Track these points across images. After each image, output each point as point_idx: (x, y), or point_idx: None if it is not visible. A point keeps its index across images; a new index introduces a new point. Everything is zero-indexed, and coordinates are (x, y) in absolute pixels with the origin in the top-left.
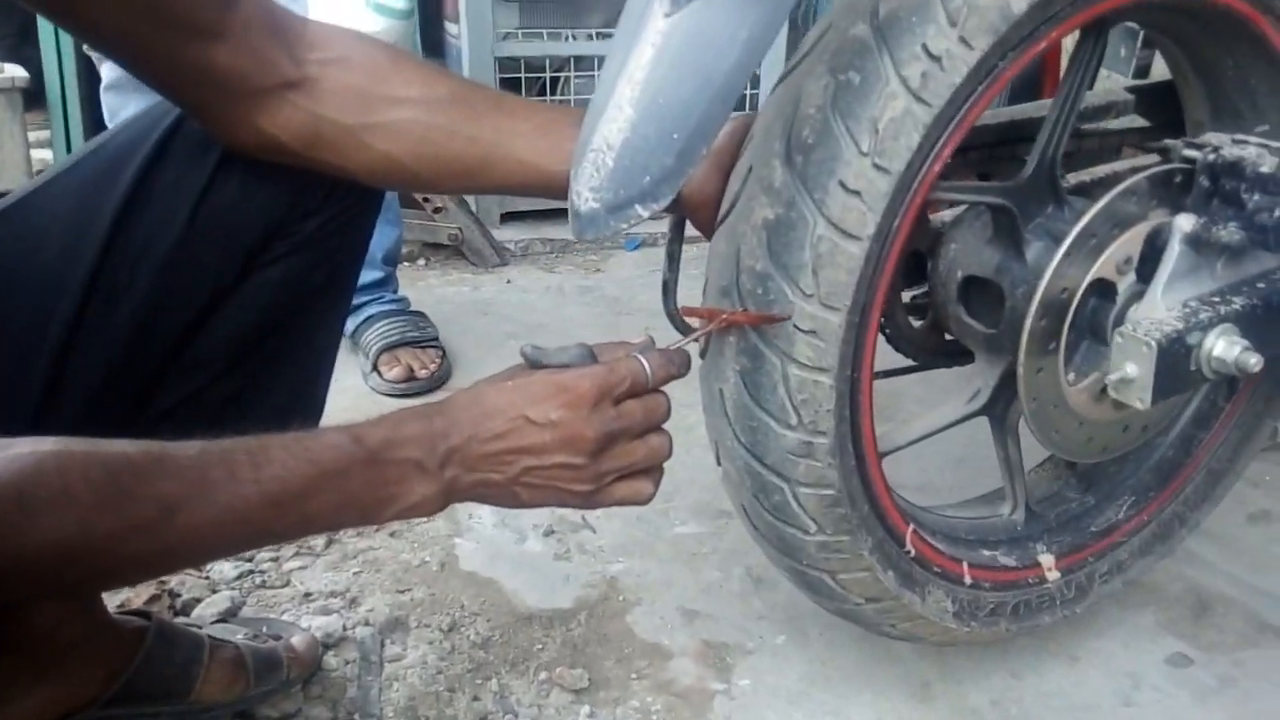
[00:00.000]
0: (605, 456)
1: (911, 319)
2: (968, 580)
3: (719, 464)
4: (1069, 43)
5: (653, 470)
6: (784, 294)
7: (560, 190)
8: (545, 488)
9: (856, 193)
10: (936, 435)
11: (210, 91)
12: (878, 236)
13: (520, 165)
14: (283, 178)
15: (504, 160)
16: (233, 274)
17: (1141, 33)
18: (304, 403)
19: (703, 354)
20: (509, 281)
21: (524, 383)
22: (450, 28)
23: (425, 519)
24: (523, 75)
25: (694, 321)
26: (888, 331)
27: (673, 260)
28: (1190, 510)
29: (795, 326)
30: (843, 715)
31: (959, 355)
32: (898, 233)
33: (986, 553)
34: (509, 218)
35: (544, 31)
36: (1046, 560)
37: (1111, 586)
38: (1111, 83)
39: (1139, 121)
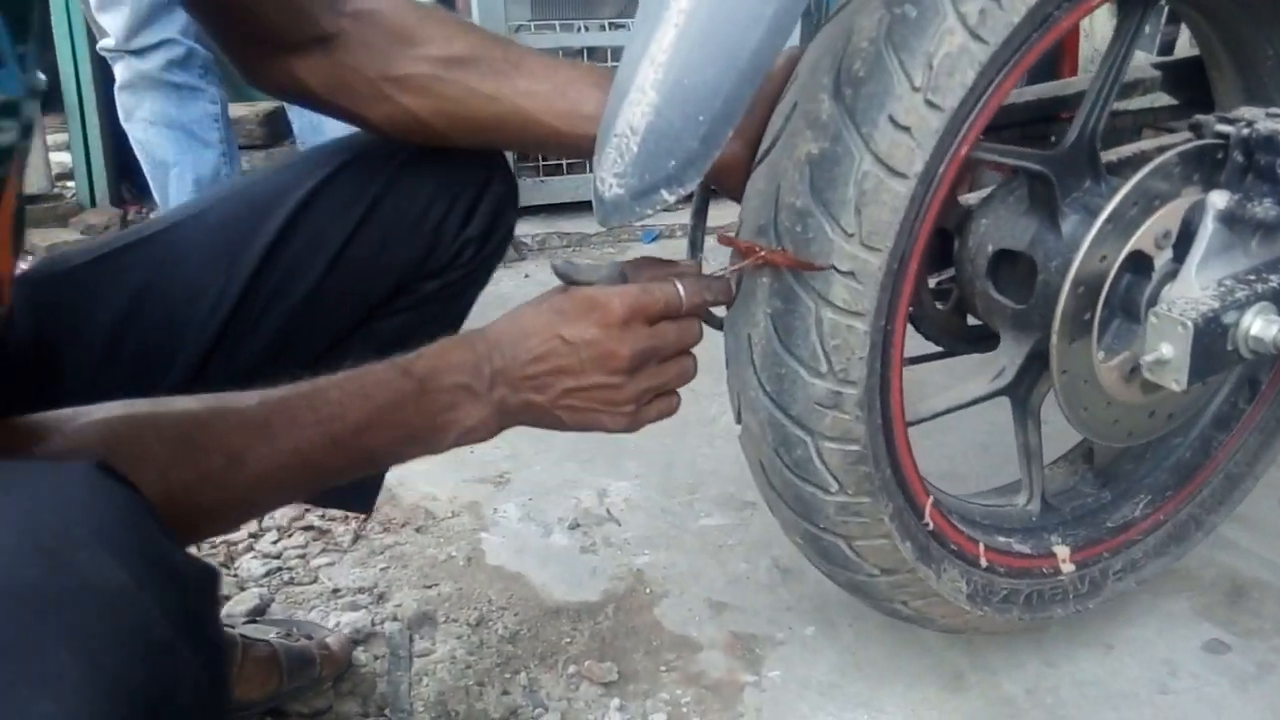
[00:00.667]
0: (641, 376)
1: (937, 302)
2: (983, 562)
3: (738, 420)
4: (1087, 25)
5: (676, 390)
6: (824, 232)
7: (578, 150)
8: (586, 410)
9: (906, 129)
10: (961, 421)
11: (251, 37)
12: (924, 177)
13: (538, 125)
14: (417, 240)
15: (521, 120)
16: (354, 323)
17: (1166, 8)
18: None
19: (729, 304)
20: (527, 276)
21: (558, 302)
22: None
23: (479, 437)
24: None
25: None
26: (913, 311)
27: (695, 247)
28: (1206, 514)
29: (834, 267)
30: (874, 706)
31: (983, 340)
32: (944, 177)
33: (1002, 538)
34: (525, 212)
35: (556, 23)
36: (1062, 551)
37: (1125, 584)
38: (1137, 60)
39: (1165, 99)
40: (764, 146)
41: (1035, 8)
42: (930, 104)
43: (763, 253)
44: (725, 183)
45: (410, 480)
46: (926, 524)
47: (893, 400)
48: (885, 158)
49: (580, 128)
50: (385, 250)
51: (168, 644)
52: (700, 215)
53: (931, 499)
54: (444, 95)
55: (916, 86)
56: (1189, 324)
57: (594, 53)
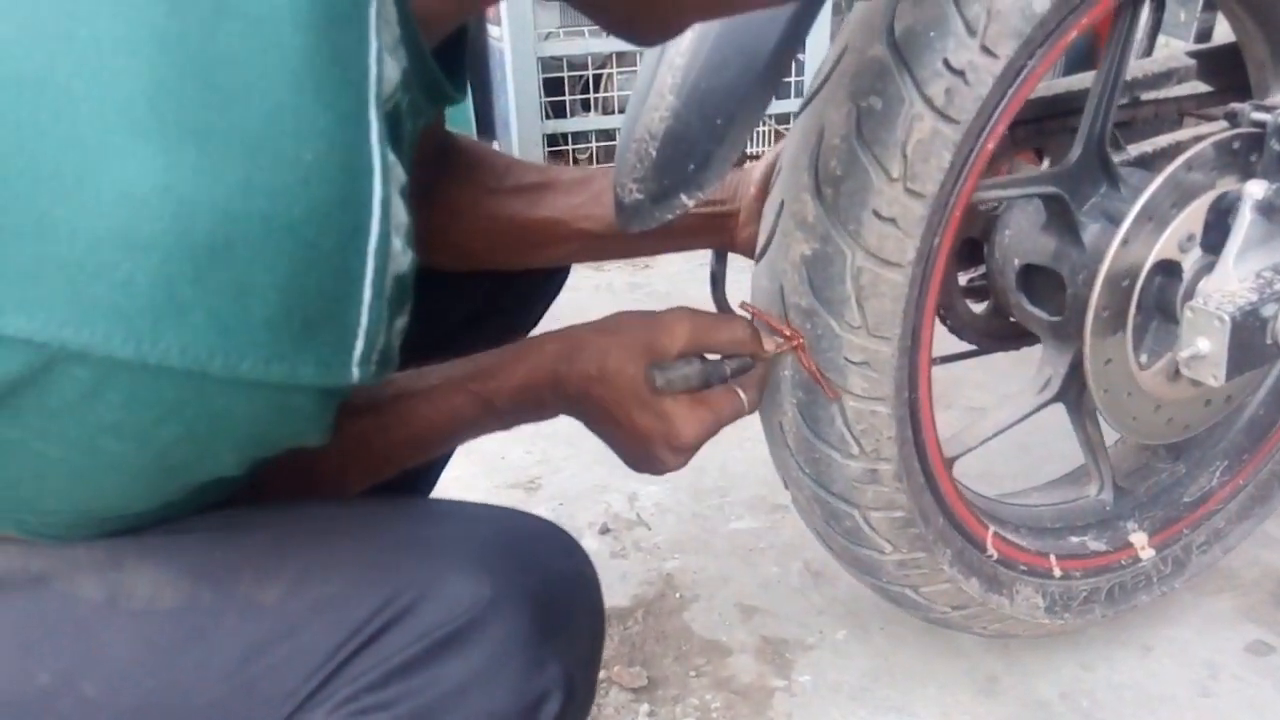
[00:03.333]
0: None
1: (970, 303)
2: (1057, 573)
3: (786, 487)
4: None
5: None
6: (831, 329)
7: (615, 250)
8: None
9: (891, 220)
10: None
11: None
12: (919, 260)
13: (572, 234)
14: (475, 294)
15: (554, 231)
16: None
17: None
18: (420, 485)
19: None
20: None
21: (639, 404)
22: (493, 30)
23: None
24: (565, 74)
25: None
26: (948, 322)
27: (720, 253)
28: None
29: (847, 359)
30: (907, 711)
31: (1023, 337)
32: (939, 250)
33: (1074, 540)
34: None
35: (585, 29)
36: (1139, 539)
37: (1211, 556)
38: (1171, 49)
39: (1201, 87)
40: (760, 243)
41: (1003, 73)
42: (911, 192)
43: (794, 341)
44: (721, 239)
45: (442, 486)
46: (991, 555)
47: (931, 458)
48: (876, 251)
49: (613, 229)
50: (453, 285)
51: (603, 611)
52: (718, 281)
53: (992, 530)
54: (492, 230)
55: (894, 178)
56: (1226, 317)
57: (622, 58)
